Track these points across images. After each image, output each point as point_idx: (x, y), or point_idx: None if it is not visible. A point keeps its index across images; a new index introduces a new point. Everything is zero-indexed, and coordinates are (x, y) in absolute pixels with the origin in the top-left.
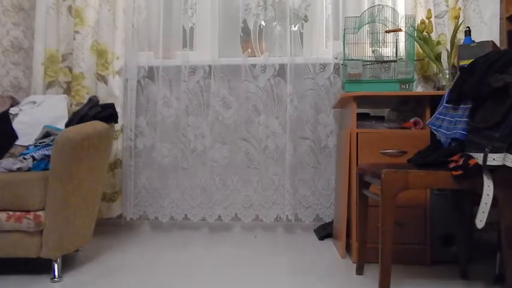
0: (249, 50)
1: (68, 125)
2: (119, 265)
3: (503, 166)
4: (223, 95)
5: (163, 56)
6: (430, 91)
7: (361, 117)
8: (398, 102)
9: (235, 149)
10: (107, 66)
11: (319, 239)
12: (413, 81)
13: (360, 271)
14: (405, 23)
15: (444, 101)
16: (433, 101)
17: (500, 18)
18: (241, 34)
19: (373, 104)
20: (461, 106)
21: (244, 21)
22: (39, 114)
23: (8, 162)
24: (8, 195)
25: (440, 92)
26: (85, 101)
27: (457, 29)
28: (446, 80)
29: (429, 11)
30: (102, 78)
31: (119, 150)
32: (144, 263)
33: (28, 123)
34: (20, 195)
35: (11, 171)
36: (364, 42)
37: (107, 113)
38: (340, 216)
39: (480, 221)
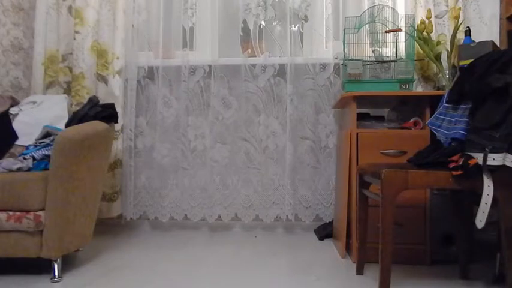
0: (249, 50)
1: (68, 125)
2: (119, 265)
3: (503, 166)
4: (223, 95)
5: (163, 56)
6: (430, 91)
7: (361, 117)
8: (398, 102)
9: (236, 149)
10: (107, 66)
11: (319, 239)
12: (413, 81)
13: (360, 271)
14: (405, 23)
15: (444, 101)
16: (433, 101)
17: (500, 18)
18: (241, 34)
19: (373, 104)
20: (461, 106)
21: (244, 21)
22: (39, 114)
23: (8, 162)
24: (8, 195)
25: (440, 92)
26: (85, 101)
27: (457, 29)
28: (446, 80)
29: (429, 11)
30: (102, 78)
31: (119, 150)
32: (144, 263)
33: (28, 123)
34: (20, 195)
35: (11, 171)
36: (364, 42)
37: (107, 113)
38: (340, 216)
39: (480, 221)
